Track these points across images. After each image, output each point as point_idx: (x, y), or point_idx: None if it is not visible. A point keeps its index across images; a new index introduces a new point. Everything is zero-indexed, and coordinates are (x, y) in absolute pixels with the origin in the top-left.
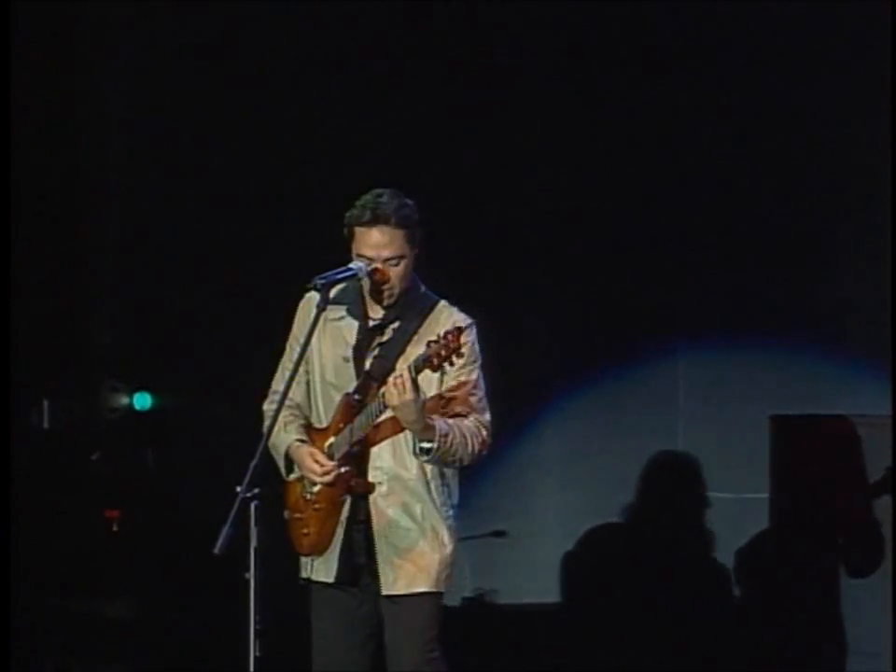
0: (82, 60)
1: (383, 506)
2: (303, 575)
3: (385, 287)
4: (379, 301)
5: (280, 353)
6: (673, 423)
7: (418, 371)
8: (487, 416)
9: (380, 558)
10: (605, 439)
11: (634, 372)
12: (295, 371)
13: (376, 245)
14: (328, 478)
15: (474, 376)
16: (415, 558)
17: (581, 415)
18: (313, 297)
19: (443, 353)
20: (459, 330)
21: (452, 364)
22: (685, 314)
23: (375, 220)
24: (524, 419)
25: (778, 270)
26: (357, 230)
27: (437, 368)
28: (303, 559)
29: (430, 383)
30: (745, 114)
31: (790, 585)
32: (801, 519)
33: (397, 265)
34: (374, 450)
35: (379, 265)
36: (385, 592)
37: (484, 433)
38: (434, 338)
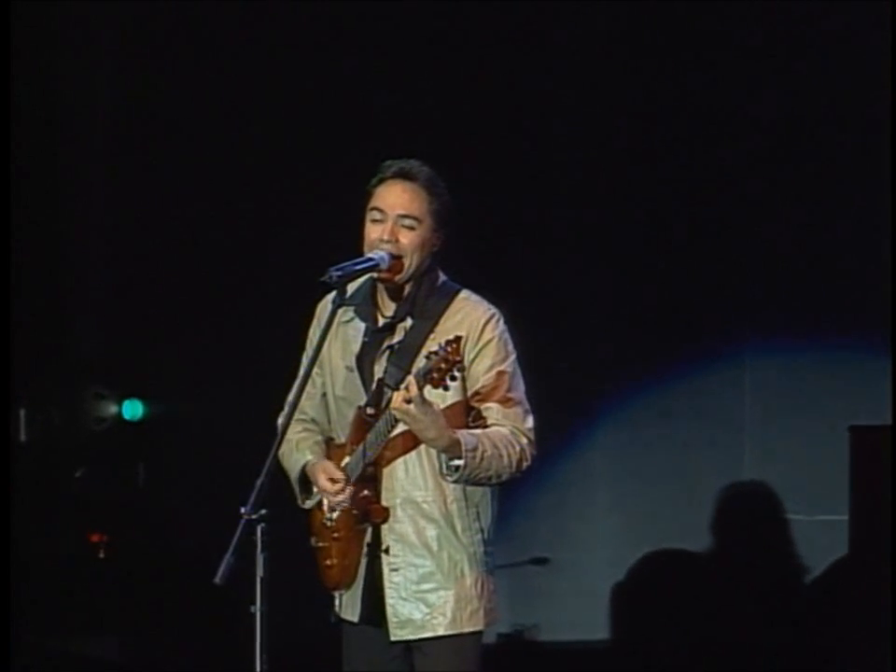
0: (66, 55)
1: (394, 534)
2: (335, 612)
3: (402, 255)
4: (392, 290)
5: (285, 355)
6: (738, 435)
7: (420, 386)
8: (529, 423)
9: (389, 596)
10: (659, 454)
11: (693, 378)
12: (304, 381)
13: (395, 197)
14: (342, 496)
15: (505, 377)
16: (427, 596)
17: (631, 427)
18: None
19: (443, 366)
20: (458, 340)
21: (454, 379)
22: (752, 312)
23: (400, 174)
24: (567, 431)
25: (856, 265)
26: (377, 189)
27: (439, 384)
28: (335, 594)
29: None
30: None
31: (872, 619)
32: (884, 544)
33: (412, 229)
34: (386, 470)
35: (389, 229)
36: (392, 638)
37: (524, 441)
38: (434, 349)
